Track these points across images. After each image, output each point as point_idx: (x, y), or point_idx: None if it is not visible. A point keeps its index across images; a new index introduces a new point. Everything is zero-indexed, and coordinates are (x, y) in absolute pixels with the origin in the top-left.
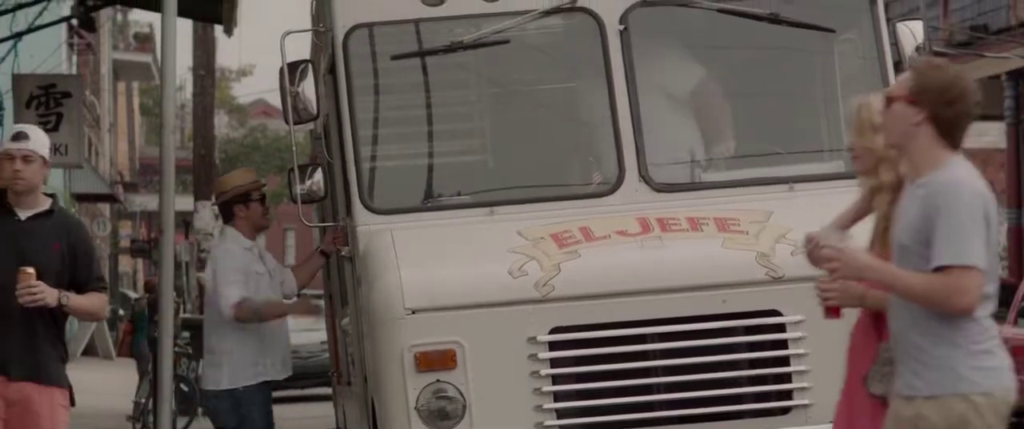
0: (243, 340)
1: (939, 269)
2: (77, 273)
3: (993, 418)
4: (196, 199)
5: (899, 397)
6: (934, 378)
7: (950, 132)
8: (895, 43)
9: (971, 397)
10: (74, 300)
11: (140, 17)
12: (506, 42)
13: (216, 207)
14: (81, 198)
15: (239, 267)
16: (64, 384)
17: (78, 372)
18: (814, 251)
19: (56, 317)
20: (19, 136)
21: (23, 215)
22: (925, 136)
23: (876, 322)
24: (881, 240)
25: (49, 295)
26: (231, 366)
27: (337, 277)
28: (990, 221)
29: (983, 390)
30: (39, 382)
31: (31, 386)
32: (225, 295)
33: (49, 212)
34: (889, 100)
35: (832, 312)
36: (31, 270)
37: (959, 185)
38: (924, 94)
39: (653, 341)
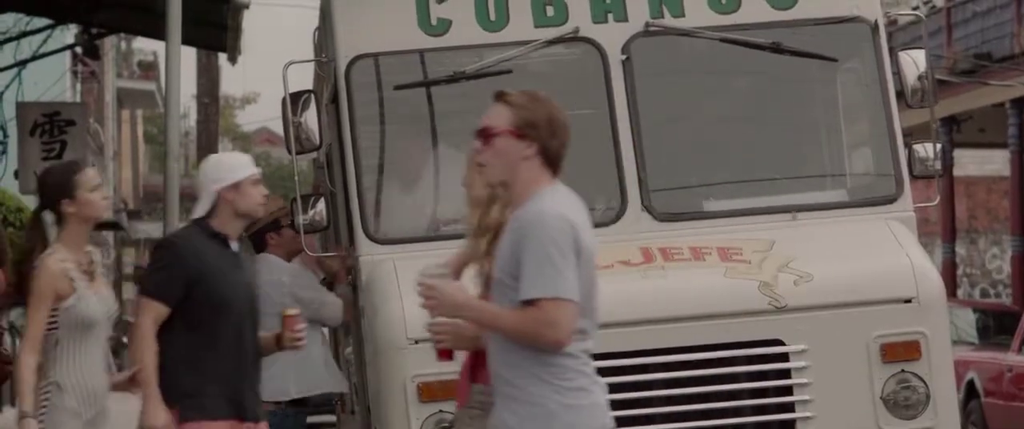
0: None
1: (529, 303)
2: None
3: None
4: None
5: (501, 422)
6: (526, 414)
7: (555, 163)
8: (897, 72)
9: None
10: None
11: (144, 45)
12: (509, 72)
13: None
14: None
15: (310, 279)
16: None
17: None
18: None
19: None
20: (253, 162)
21: (234, 246)
22: (532, 169)
23: (475, 364)
24: (485, 283)
25: None
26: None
27: None
28: (582, 251)
29: (575, 426)
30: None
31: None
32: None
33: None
34: (488, 134)
35: (442, 354)
36: (296, 311)
37: (544, 215)
38: (532, 128)
39: (656, 371)
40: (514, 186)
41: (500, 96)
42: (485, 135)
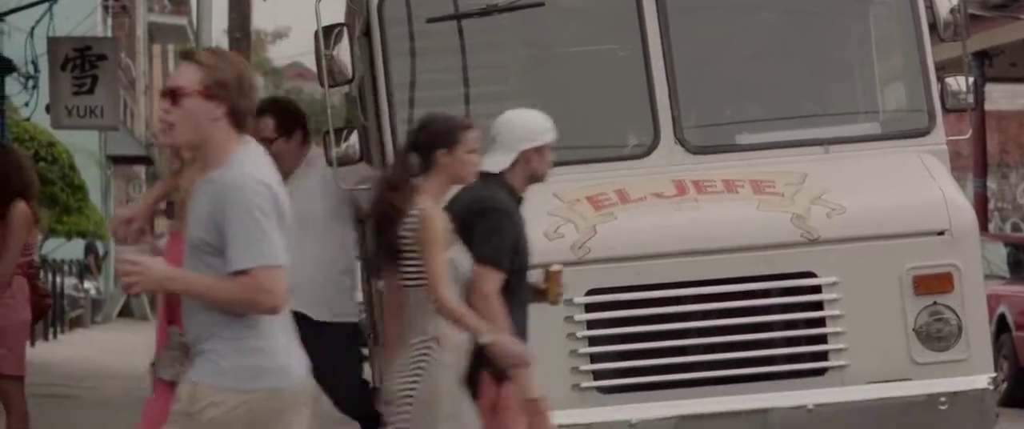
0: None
1: (240, 272)
2: None
3: (270, 413)
4: None
5: (185, 382)
6: (208, 371)
7: (243, 123)
8: (930, 5)
9: (245, 392)
10: None
11: None
12: (541, 4)
13: None
14: (117, 160)
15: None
16: None
17: (115, 334)
18: (120, 228)
19: None
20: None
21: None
22: (222, 130)
23: (170, 306)
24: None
25: None
26: None
27: (373, 239)
28: (281, 213)
29: (255, 387)
30: None
31: None
32: None
33: None
34: (177, 95)
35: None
36: (560, 267)
37: (243, 181)
38: (222, 88)
39: (689, 302)
40: (206, 148)
41: (187, 55)
42: (173, 95)
